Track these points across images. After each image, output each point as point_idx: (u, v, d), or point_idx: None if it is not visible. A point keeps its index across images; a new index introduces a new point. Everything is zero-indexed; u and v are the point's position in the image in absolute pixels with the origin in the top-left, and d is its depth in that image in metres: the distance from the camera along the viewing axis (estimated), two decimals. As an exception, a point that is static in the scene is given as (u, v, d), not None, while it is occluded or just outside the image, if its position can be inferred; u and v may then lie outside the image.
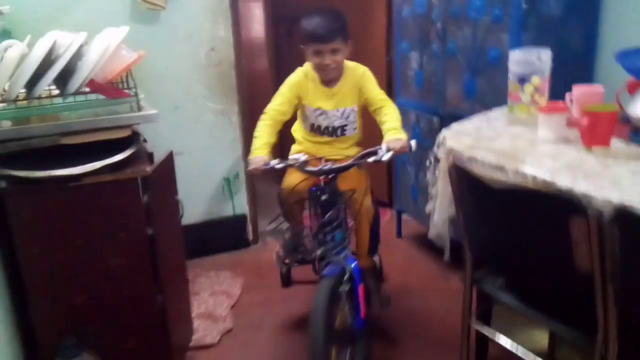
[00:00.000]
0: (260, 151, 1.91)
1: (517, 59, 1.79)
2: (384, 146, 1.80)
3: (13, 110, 1.62)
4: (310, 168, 1.86)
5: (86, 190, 1.57)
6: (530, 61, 1.77)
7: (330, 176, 1.83)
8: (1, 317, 1.52)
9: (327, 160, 1.95)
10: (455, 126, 1.85)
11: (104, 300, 1.67)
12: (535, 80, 1.77)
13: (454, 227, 1.89)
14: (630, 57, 1.61)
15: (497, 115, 1.96)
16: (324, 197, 1.83)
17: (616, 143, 1.53)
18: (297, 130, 2.23)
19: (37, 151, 1.61)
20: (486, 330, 1.71)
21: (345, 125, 2.11)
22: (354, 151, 2.14)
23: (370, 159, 1.78)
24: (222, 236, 2.90)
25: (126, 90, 1.76)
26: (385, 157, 1.77)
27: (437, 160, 1.85)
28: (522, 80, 1.78)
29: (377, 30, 3.13)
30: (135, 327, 1.74)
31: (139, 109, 1.71)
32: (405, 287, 2.54)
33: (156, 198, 1.69)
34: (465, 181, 1.49)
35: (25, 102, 1.63)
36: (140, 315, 1.74)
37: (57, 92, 1.72)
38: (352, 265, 1.80)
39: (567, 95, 1.77)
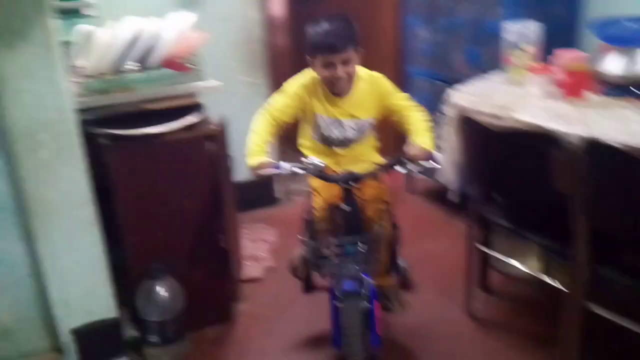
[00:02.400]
0: (260, 153, 1.79)
1: (511, 29, 2.15)
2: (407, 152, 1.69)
3: (103, 82, 1.98)
4: (330, 175, 1.74)
5: (167, 145, 1.95)
6: (522, 31, 2.13)
7: (349, 185, 1.70)
8: (98, 249, 1.92)
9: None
10: (459, 87, 2.22)
11: (180, 236, 2.07)
12: (526, 46, 2.13)
13: (459, 174, 2.28)
14: (601, 25, 1.97)
15: (495, 77, 2.31)
16: (347, 208, 1.72)
17: (592, 97, 1.90)
18: (304, 141, 2.07)
19: (121, 116, 1.99)
20: (488, 251, 2.12)
21: (359, 137, 1.98)
22: (373, 157, 2.03)
23: (399, 168, 1.69)
24: (253, 194, 3.27)
25: (192, 66, 2.12)
26: (410, 166, 1.68)
27: (444, 117, 2.23)
28: (515, 46, 2.15)
29: (387, 7, 3.48)
30: (204, 260, 2.14)
31: (203, 80, 2.08)
32: (418, 230, 2.93)
33: (218, 152, 2.08)
34: (471, 129, 1.88)
35: (112, 76, 2.00)
36: (208, 250, 2.14)
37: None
38: (370, 281, 1.73)
39: (553, 59, 2.14)
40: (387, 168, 1.74)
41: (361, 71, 1.93)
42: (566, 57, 2.06)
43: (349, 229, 1.75)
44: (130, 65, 1.99)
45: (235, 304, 2.33)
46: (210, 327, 2.21)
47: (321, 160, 1.71)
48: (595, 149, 1.51)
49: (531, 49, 2.14)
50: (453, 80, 2.76)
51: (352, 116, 1.91)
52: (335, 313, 1.76)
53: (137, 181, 1.96)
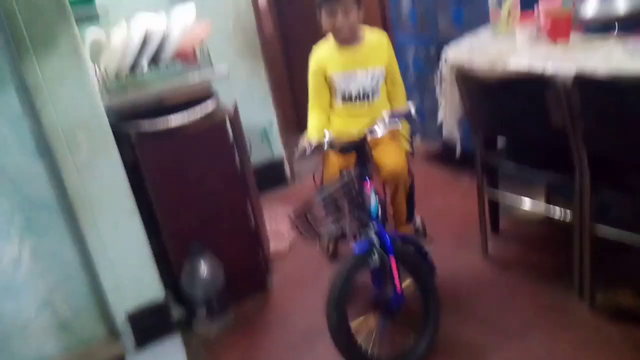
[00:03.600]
0: (310, 135, 2.05)
1: (494, -14, 2.30)
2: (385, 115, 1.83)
3: (121, 82, 2.11)
4: (338, 144, 1.85)
5: (191, 134, 2.09)
6: (504, -14, 2.27)
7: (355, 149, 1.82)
8: (141, 236, 2.07)
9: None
10: (452, 46, 2.37)
11: (213, 218, 2.21)
12: (509, 1, 2.28)
13: (462, 130, 2.44)
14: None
15: (483, 34, 2.46)
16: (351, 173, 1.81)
17: (574, 37, 2.05)
18: (331, 108, 2.23)
19: (143, 111, 2.12)
20: (496, 193, 2.28)
21: (376, 89, 2.16)
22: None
23: (374, 133, 1.80)
24: (266, 177, 3.41)
25: (199, 57, 2.26)
26: (380, 131, 1.78)
27: (442, 75, 2.38)
28: (500, 2, 2.29)
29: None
30: (237, 238, 2.29)
31: (213, 69, 2.22)
32: (427, 190, 3.10)
33: (237, 135, 2.22)
34: (469, 81, 2.03)
35: (129, 75, 2.12)
36: (240, 229, 2.29)
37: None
38: (381, 238, 1.78)
39: (535, 8, 2.28)
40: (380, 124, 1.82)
41: (372, 29, 2.18)
42: (548, 4, 2.21)
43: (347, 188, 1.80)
44: (145, 63, 2.12)
45: (269, 276, 2.49)
46: (250, 298, 2.37)
47: (330, 132, 1.85)
48: (584, 83, 1.67)
49: (514, 2, 2.28)
50: (442, 41, 2.90)
51: (365, 65, 2.12)
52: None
53: (167, 171, 2.10)
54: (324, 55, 2.14)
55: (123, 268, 2.02)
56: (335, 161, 2.12)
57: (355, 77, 2.13)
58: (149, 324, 2.12)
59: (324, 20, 2.09)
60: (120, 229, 1.99)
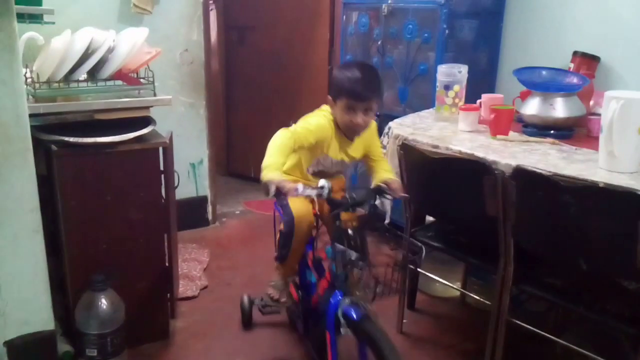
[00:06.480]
0: (279, 170, 1.72)
1: (444, 71, 2.39)
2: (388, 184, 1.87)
3: (53, 90, 1.96)
4: (338, 200, 1.77)
5: (118, 155, 1.95)
6: (453, 73, 2.37)
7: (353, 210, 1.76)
8: (41, 257, 1.87)
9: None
10: (397, 120, 2.42)
11: (124, 249, 2.04)
12: (456, 87, 2.37)
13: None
14: (522, 72, 2.25)
15: (426, 114, 2.54)
16: (353, 232, 1.76)
17: (513, 134, 2.15)
18: (292, 171, 2.06)
19: (70, 124, 1.97)
20: (416, 270, 2.29)
21: (342, 171, 2.13)
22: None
23: (383, 197, 1.85)
24: (186, 215, 3.26)
25: (143, 80, 2.15)
26: (389, 195, 1.86)
27: (383, 146, 2.41)
28: (447, 87, 2.38)
29: (321, 44, 3.68)
30: (146, 275, 2.13)
31: (155, 94, 2.11)
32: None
33: (168, 166, 2.11)
34: (411, 155, 2.05)
35: (63, 84, 1.98)
36: (151, 266, 2.13)
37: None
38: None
39: (478, 101, 2.39)
40: (375, 195, 1.84)
41: None
42: (491, 98, 2.33)
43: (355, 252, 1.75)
44: (83, 74, 1.98)
45: (173, 322, 2.32)
46: (148, 344, 2.18)
47: (329, 182, 1.72)
48: (524, 175, 1.73)
49: (460, 90, 2.38)
50: (385, 115, 2.98)
51: (353, 156, 2.01)
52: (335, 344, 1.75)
53: (85, 190, 1.93)
54: (328, 133, 1.91)
55: (13, 290, 1.79)
56: (307, 210, 1.96)
57: (340, 163, 2.00)
58: (29, 357, 1.88)
59: (340, 112, 1.86)
60: (20, 246, 1.77)
